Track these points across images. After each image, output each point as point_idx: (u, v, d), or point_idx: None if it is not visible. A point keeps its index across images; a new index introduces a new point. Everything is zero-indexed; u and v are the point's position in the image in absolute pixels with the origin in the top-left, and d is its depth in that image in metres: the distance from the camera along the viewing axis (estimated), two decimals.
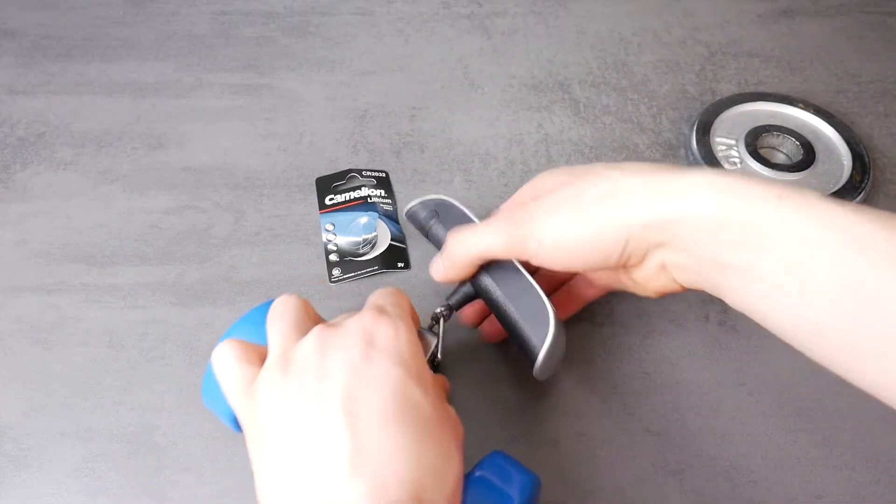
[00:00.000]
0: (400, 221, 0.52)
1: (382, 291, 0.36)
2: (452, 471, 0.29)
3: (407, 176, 0.55)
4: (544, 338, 0.37)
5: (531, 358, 0.37)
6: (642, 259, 0.34)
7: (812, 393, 0.44)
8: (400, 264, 0.49)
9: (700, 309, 0.47)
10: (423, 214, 0.43)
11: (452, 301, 0.41)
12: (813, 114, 0.58)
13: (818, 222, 0.29)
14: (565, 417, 0.42)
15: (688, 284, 0.35)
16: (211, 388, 0.37)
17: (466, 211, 0.42)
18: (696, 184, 0.31)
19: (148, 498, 0.39)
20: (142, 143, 0.56)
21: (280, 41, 0.65)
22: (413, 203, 0.44)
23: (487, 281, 0.39)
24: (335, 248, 0.50)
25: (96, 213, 0.52)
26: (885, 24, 0.69)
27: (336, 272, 0.49)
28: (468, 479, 0.33)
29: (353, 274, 0.49)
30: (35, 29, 0.65)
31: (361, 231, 0.51)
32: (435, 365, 0.39)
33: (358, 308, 0.47)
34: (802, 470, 0.41)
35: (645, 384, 0.44)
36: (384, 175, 0.55)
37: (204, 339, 0.45)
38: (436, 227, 0.42)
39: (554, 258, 0.35)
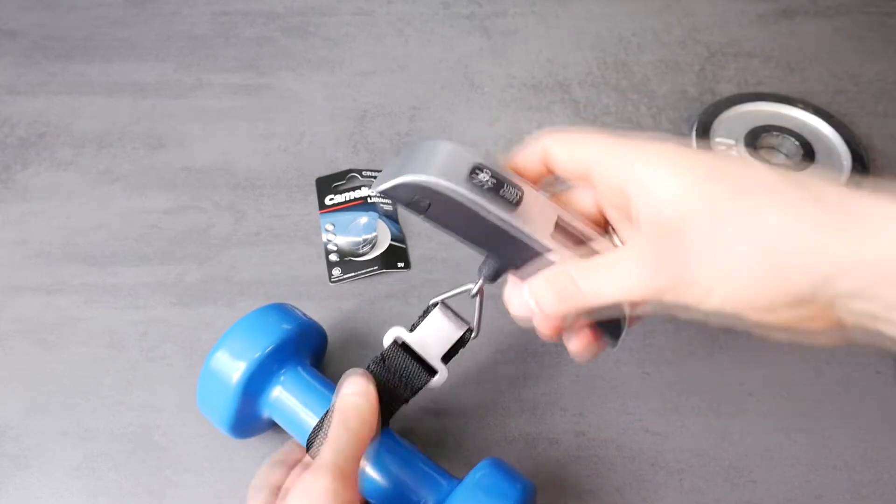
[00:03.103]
0: (400, 221, 0.52)
1: (339, 409, 0.32)
2: None
3: None
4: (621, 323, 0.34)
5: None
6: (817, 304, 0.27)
7: (812, 393, 0.44)
8: (400, 264, 0.49)
9: None
10: (406, 198, 0.32)
11: (487, 272, 0.35)
12: (812, 114, 0.58)
13: None
14: (565, 417, 0.43)
15: (864, 329, 0.27)
16: (206, 394, 0.36)
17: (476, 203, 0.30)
18: (886, 217, 0.25)
19: (148, 498, 0.39)
20: (142, 144, 0.57)
21: (280, 41, 0.65)
22: (384, 185, 0.32)
23: None
24: (335, 248, 0.50)
25: (96, 213, 0.52)
26: (885, 24, 0.69)
27: (336, 272, 0.49)
28: (461, 485, 0.33)
29: (353, 274, 0.49)
30: (35, 29, 0.65)
31: (361, 231, 0.51)
32: (464, 341, 0.39)
33: (356, 309, 0.47)
34: (802, 470, 0.41)
35: (645, 384, 0.44)
36: None
37: (204, 339, 0.45)
38: (433, 215, 0.32)
39: (723, 308, 0.28)
